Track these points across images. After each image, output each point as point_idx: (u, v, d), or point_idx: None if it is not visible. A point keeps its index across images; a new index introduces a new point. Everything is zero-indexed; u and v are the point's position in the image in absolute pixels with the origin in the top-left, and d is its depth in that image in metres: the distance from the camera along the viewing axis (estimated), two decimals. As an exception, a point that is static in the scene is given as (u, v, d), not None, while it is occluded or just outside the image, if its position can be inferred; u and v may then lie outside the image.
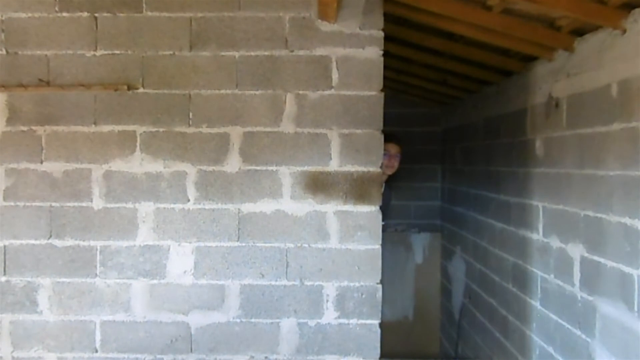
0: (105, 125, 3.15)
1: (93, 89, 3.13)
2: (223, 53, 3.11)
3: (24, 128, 3.16)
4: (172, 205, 3.14)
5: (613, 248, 2.60)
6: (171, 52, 3.12)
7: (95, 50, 3.14)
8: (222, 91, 3.12)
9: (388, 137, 3.35)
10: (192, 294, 3.16)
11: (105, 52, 3.14)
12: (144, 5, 3.12)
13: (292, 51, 3.10)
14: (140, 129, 3.14)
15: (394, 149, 3.74)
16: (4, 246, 3.18)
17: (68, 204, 3.16)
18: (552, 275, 3.30)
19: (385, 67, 3.12)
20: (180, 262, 3.15)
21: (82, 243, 3.17)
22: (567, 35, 2.97)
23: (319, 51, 3.09)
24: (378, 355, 3.16)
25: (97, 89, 3.13)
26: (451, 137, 5.97)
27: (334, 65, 3.09)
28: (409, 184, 6.41)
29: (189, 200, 3.14)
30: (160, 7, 3.12)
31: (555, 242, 3.25)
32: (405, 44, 4.07)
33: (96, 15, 3.13)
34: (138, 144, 3.14)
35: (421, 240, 6.44)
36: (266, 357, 3.16)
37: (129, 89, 3.13)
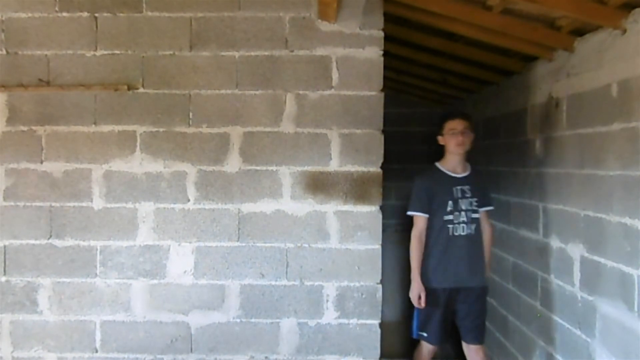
0: (105, 125, 3.15)
1: (93, 89, 3.13)
2: (223, 53, 3.11)
3: (24, 128, 3.16)
4: (172, 205, 3.15)
5: (613, 248, 2.60)
6: (171, 52, 3.12)
7: (95, 50, 3.14)
8: (222, 91, 3.12)
9: (452, 115, 3.33)
10: (192, 294, 3.16)
11: (105, 52, 3.14)
12: (144, 5, 3.12)
13: (292, 51, 3.10)
14: (140, 129, 3.14)
15: (460, 124, 3.31)
16: (4, 246, 3.18)
17: (68, 204, 3.16)
18: (552, 275, 3.30)
19: (385, 67, 3.12)
20: (180, 262, 3.15)
21: (82, 243, 3.17)
22: (567, 35, 2.97)
23: (319, 51, 3.09)
24: (378, 355, 3.16)
25: (97, 89, 3.13)
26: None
27: (334, 65, 3.10)
28: (409, 184, 6.40)
29: (189, 200, 3.14)
30: (160, 7, 3.12)
31: (555, 242, 3.25)
32: (405, 44, 4.07)
33: (96, 15, 3.13)
34: (138, 144, 3.14)
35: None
36: (266, 357, 3.16)
37: (129, 89, 3.13)
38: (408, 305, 6.47)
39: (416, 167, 6.42)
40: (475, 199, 3.29)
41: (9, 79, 3.15)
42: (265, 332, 3.15)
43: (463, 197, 3.27)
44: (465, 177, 3.32)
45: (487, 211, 3.42)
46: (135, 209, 3.16)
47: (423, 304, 3.24)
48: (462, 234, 3.26)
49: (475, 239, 3.30)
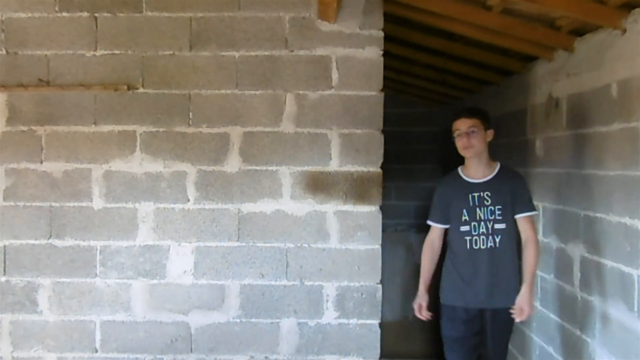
0: (105, 125, 3.15)
1: (93, 89, 3.13)
2: (223, 53, 3.11)
3: (24, 128, 3.16)
4: (172, 205, 3.14)
5: (613, 248, 2.60)
6: (171, 52, 3.12)
7: (95, 50, 3.14)
8: (222, 91, 3.12)
9: (456, 114, 2.94)
10: (192, 294, 3.15)
11: (105, 52, 3.14)
12: (144, 5, 3.12)
13: (292, 51, 3.10)
14: (140, 129, 3.14)
15: (463, 124, 2.88)
16: (4, 246, 3.18)
17: (68, 204, 3.16)
18: (552, 275, 3.29)
19: (385, 67, 3.12)
20: (180, 262, 3.15)
21: (82, 243, 3.16)
22: (567, 35, 2.97)
23: (319, 51, 3.09)
24: (378, 355, 3.16)
25: (97, 89, 3.13)
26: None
27: (334, 65, 3.09)
28: (409, 184, 6.40)
29: (189, 200, 3.14)
30: (160, 7, 3.12)
31: (555, 242, 3.25)
32: (405, 44, 4.07)
33: (96, 15, 3.13)
34: (138, 144, 3.14)
35: (421, 240, 6.43)
36: (266, 357, 3.16)
37: (129, 89, 3.13)
38: (408, 306, 6.45)
39: (416, 167, 6.45)
40: (499, 207, 2.84)
41: (9, 79, 3.15)
42: (265, 332, 3.15)
43: (481, 205, 2.86)
44: (485, 182, 2.90)
45: (529, 218, 2.88)
46: (135, 209, 3.15)
47: (425, 316, 2.98)
48: (482, 247, 2.85)
49: (499, 253, 2.85)
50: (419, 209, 6.48)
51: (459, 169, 3.01)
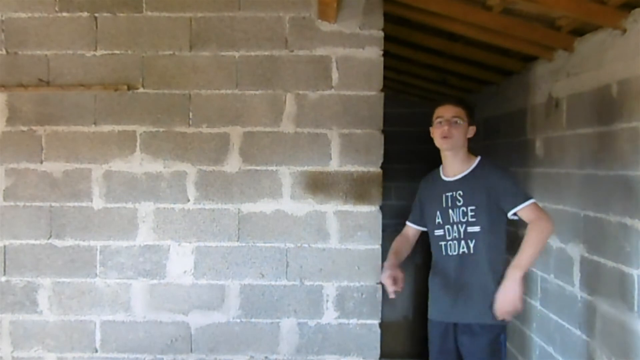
0: (105, 125, 3.15)
1: (93, 89, 3.13)
2: (223, 53, 3.11)
3: (24, 128, 3.16)
4: (172, 205, 3.14)
5: (613, 248, 2.60)
6: (171, 52, 3.12)
7: (95, 50, 3.14)
8: (222, 91, 3.12)
9: (441, 100, 2.69)
10: (192, 294, 3.15)
11: (105, 52, 3.14)
12: (144, 5, 3.12)
13: (292, 51, 3.10)
14: (140, 129, 3.14)
15: (448, 111, 2.58)
16: (4, 246, 3.18)
17: (68, 204, 3.16)
18: (552, 275, 3.29)
19: (385, 67, 3.12)
20: (180, 262, 3.15)
21: (82, 243, 3.16)
22: (567, 35, 2.97)
23: (319, 51, 3.09)
24: (378, 355, 3.16)
25: (97, 89, 3.13)
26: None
27: (334, 65, 3.09)
28: (409, 184, 6.40)
29: (189, 200, 3.14)
30: (160, 7, 3.12)
31: (555, 242, 3.25)
32: (405, 44, 4.07)
33: (96, 15, 3.13)
34: (138, 144, 3.14)
35: (421, 240, 6.42)
36: (266, 357, 3.16)
37: (129, 89, 3.13)
38: (408, 306, 6.45)
39: (416, 167, 6.43)
40: (471, 207, 2.52)
41: (9, 79, 3.15)
42: (265, 332, 3.15)
43: (454, 206, 2.56)
44: (458, 180, 2.59)
45: (528, 208, 2.44)
46: (135, 209, 3.15)
47: (388, 284, 2.56)
48: (454, 253, 2.55)
49: (472, 260, 2.52)
50: (419, 209, 6.46)
51: (441, 167, 2.72)
